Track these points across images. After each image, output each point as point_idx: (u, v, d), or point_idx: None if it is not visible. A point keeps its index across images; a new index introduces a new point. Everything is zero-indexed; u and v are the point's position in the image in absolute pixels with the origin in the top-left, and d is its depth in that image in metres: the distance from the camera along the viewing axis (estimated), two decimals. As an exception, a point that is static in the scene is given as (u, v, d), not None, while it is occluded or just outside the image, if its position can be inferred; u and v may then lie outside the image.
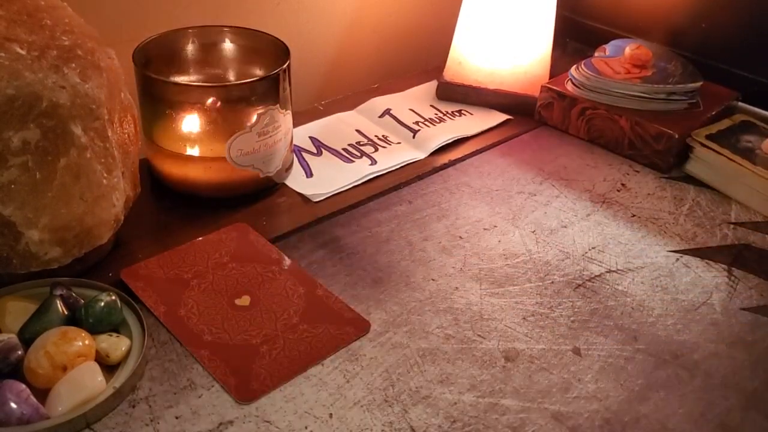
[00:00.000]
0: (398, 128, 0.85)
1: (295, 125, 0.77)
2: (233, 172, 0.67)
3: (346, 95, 0.93)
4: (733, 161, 0.76)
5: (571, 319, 0.59)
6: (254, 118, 0.66)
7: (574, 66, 0.87)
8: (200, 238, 0.64)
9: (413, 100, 0.92)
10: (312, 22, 0.94)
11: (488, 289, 0.62)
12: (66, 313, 0.52)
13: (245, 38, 0.74)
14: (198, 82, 0.71)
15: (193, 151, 0.67)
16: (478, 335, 0.57)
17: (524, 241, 0.68)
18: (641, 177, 0.80)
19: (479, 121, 0.88)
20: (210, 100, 0.65)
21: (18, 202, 0.52)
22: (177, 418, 0.48)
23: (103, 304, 0.52)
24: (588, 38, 1.03)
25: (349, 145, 0.81)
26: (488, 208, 0.72)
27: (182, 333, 0.54)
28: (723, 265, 0.66)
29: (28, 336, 0.50)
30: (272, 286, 0.59)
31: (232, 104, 0.66)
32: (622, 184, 0.78)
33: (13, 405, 0.45)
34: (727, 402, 0.52)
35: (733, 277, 0.65)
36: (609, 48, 0.91)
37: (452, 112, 0.90)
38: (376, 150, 0.80)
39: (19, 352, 0.48)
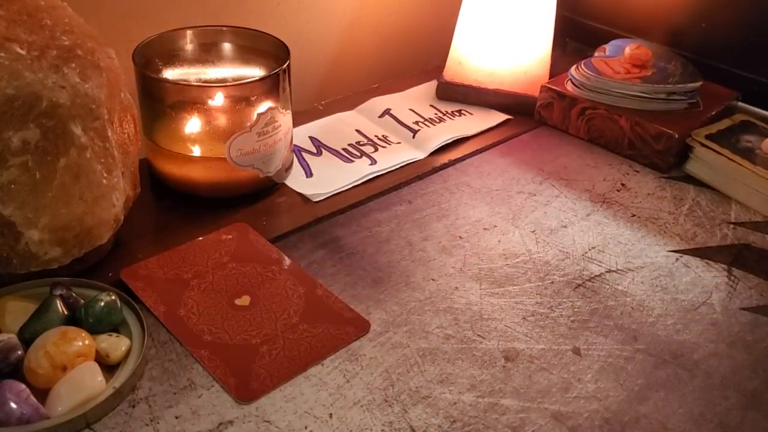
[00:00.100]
0: (398, 128, 0.85)
1: (295, 125, 0.77)
2: (233, 172, 0.67)
3: (346, 95, 0.93)
4: (733, 161, 0.76)
5: (571, 319, 0.59)
6: (254, 118, 0.66)
7: (574, 66, 0.87)
8: (200, 238, 0.64)
9: (413, 100, 0.92)
10: (312, 22, 0.94)
11: (488, 289, 0.62)
12: (66, 313, 0.52)
13: (245, 38, 0.74)
14: (198, 82, 0.71)
15: (193, 151, 0.67)
16: (478, 335, 0.57)
17: (524, 241, 0.68)
18: (641, 177, 0.80)
19: (479, 121, 0.88)
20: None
21: (18, 202, 0.52)
22: (177, 418, 0.48)
23: (103, 304, 0.52)
24: (588, 38, 1.03)
25: (349, 145, 0.81)
26: (488, 208, 0.72)
27: (182, 333, 0.54)
28: (723, 265, 0.66)
29: (28, 336, 0.50)
30: (272, 286, 0.59)
31: (232, 104, 0.66)
32: (622, 184, 0.78)
33: (13, 405, 0.45)
34: (726, 402, 0.52)
35: (732, 277, 0.65)
36: (609, 48, 0.91)
37: (452, 112, 0.90)
38: (376, 150, 0.80)
39: (19, 352, 0.48)
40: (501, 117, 0.89)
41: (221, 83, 0.70)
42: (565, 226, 0.70)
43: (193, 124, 0.67)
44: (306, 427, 0.48)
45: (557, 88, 0.86)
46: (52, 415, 0.46)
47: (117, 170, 0.58)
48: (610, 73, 0.84)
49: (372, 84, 0.96)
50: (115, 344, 0.51)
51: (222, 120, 0.66)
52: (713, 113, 0.83)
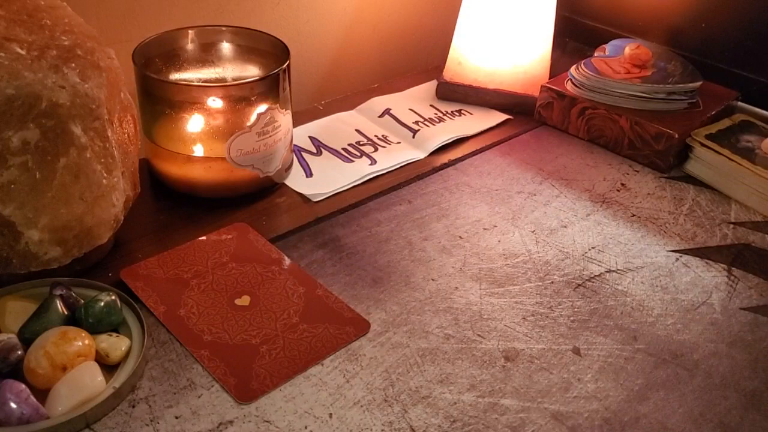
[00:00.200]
0: (398, 128, 0.85)
1: (294, 125, 0.77)
2: (233, 172, 0.67)
3: (345, 95, 0.93)
4: (733, 161, 0.76)
5: (571, 318, 0.59)
6: (254, 118, 0.66)
7: (574, 66, 0.87)
8: (200, 238, 0.64)
9: (413, 100, 0.92)
10: (312, 22, 0.94)
11: (488, 288, 0.62)
12: (66, 313, 0.52)
13: (245, 38, 0.74)
14: (198, 82, 0.71)
15: (193, 151, 0.67)
16: (478, 335, 0.57)
17: (524, 240, 0.68)
18: (641, 177, 0.80)
19: (479, 120, 0.88)
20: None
21: (18, 202, 0.52)
22: (177, 418, 0.48)
23: (102, 304, 0.52)
24: (588, 38, 1.03)
25: (348, 144, 0.81)
26: (488, 207, 0.72)
27: (182, 333, 0.54)
28: (723, 265, 0.66)
29: (27, 336, 0.50)
30: (272, 286, 0.59)
31: (232, 104, 0.66)
32: (622, 184, 0.78)
33: (13, 405, 0.45)
34: (726, 402, 0.52)
35: (732, 277, 0.65)
36: (609, 48, 0.91)
37: (452, 111, 0.90)
38: (376, 150, 0.80)
39: (19, 352, 0.48)
40: (501, 117, 0.89)
41: (221, 83, 0.70)
42: (565, 226, 0.70)
43: (193, 124, 0.67)
44: (306, 427, 0.48)
45: (557, 88, 0.86)
46: (52, 415, 0.46)
47: (117, 170, 0.58)
48: (610, 72, 0.84)
49: (372, 84, 0.96)
50: (115, 344, 0.51)
51: (222, 120, 0.66)
52: (713, 113, 0.83)
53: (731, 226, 0.72)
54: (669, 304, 0.61)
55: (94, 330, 0.51)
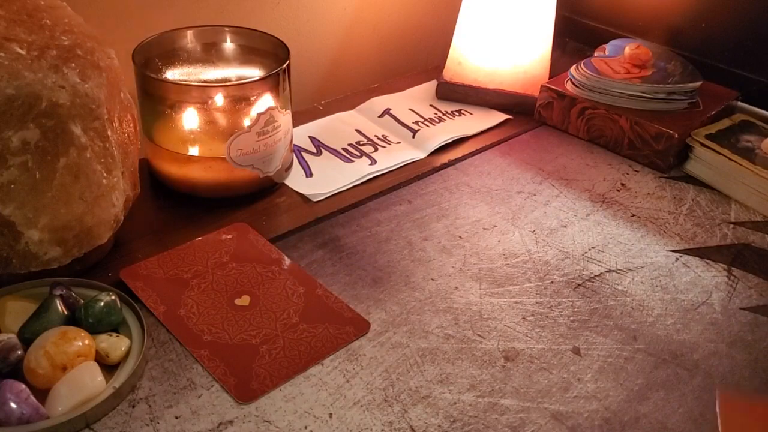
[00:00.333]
0: (398, 128, 0.85)
1: (294, 125, 0.77)
2: (233, 172, 0.67)
3: (345, 95, 0.93)
4: (733, 161, 0.76)
5: (571, 318, 0.59)
6: (254, 118, 0.66)
7: (574, 66, 0.87)
8: (200, 238, 0.64)
9: (413, 100, 0.92)
10: (312, 22, 0.94)
11: (488, 288, 0.62)
12: (66, 313, 0.52)
13: (245, 38, 0.74)
14: (198, 82, 0.71)
15: (193, 150, 0.67)
16: (478, 335, 0.57)
17: (524, 240, 0.68)
18: (641, 177, 0.80)
19: (479, 120, 0.88)
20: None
21: (18, 201, 0.52)
22: (177, 418, 0.48)
23: (102, 304, 0.52)
24: (588, 38, 1.03)
25: (348, 144, 0.81)
26: (488, 207, 0.72)
27: (182, 333, 0.54)
28: (723, 265, 0.66)
29: (27, 336, 0.50)
30: (272, 286, 0.59)
31: (232, 104, 0.66)
32: (622, 184, 0.78)
33: (13, 405, 0.45)
34: (726, 402, 0.52)
35: (732, 277, 0.65)
36: (609, 48, 0.91)
37: (452, 111, 0.90)
38: (376, 150, 0.80)
39: (19, 352, 0.48)
40: (501, 117, 0.89)
41: (221, 83, 0.70)
42: (564, 226, 0.70)
43: (192, 124, 0.67)
44: (306, 427, 0.48)
45: (557, 88, 0.86)
46: (52, 415, 0.46)
47: (117, 170, 0.58)
48: (610, 72, 0.84)
49: (372, 84, 0.96)
50: (115, 344, 0.51)
51: (222, 120, 0.66)
52: (713, 113, 0.83)
53: (731, 226, 0.72)
54: (669, 304, 0.61)
55: (94, 330, 0.51)
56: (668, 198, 0.76)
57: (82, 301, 0.53)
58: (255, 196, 0.71)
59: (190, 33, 0.73)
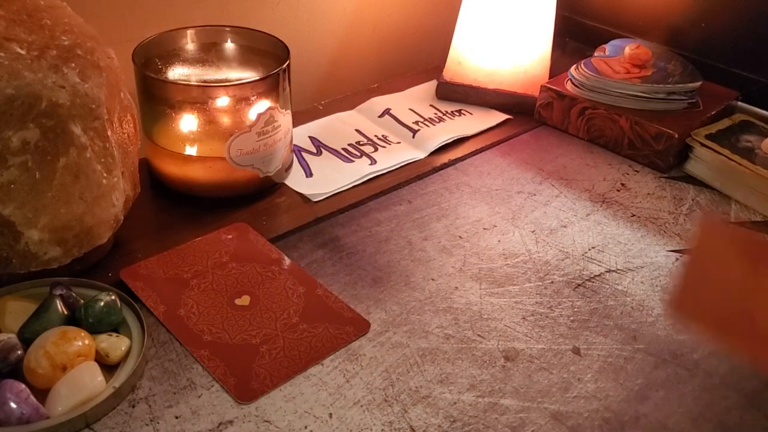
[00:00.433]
0: (398, 128, 0.85)
1: (294, 125, 0.77)
2: (233, 171, 0.67)
3: (345, 95, 0.93)
4: (733, 161, 0.76)
5: (571, 318, 0.59)
6: (254, 117, 0.66)
7: (574, 66, 0.87)
8: (200, 238, 0.64)
9: (413, 100, 0.92)
10: (312, 22, 0.94)
11: (488, 288, 0.62)
12: (66, 312, 0.52)
13: (245, 38, 0.74)
14: (198, 81, 0.71)
15: (193, 150, 0.67)
16: (478, 335, 0.57)
17: (524, 240, 0.68)
18: (641, 177, 0.80)
19: (479, 120, 0.88)
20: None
21: (18, 201, 0.52)
22: (177, 417, 0.48)
23: (102, 303, 0.52)
24: (588, 38, 1.03)
25: (348, 144, 0.81)
26: (488, 207, 0.72)
27: (182, 333, 0.54)
28: None
29: (27, 336, 0.50)
30: (272, 286, 0.59)
31: (232, 104, 0.66)
32: (622, 184, 0.78)
33: (13, 405, 0.45)
34: (726, 402, 0.52)
35: (732, 277, 0.65)
36: (608, 48, 0.91)
37: (452, 111, 0.90)
38: (376, 150, 0.80)
39: (19, 352, 0.48)
40: (501, 117, 0.89)
41: (221, 83, 0.70)
42: (564, 226, 0.70)
43: (192, 124, 0.67)
44: (306, 427, 0.48)
45: (557, 88, 0.86)
46: (51, 415, 0.46)
47: (117, 170, 0.58)
48: (610, 72, 0.84)
49: (372, 84, 0.96)
50: (115, 344, 0.51)
51: (222, 120, 0.66)
52: (713, 113, 0.83)
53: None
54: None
55: (94, 330, 0.51)
56: (668, 198, 0.76)
57: (82, 301, 0.53)
58: (255, 196, 0.71)
59: (190, 33, 0.73)
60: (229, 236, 0.65)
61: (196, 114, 0.66)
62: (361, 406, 0.50)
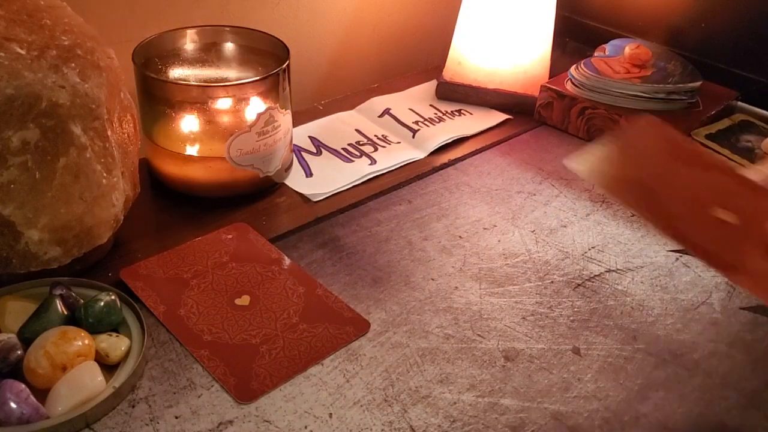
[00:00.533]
0: (398, 128, 0.85)
1: (294, 125, 0.77)
2: (233, 171, 0.67)
3: (345, 95, 0.93)
4: (733, 161, 0.76)
5: (571, 318, 0.59)
6: (254, 117, 0.66)
7: (574, 66, 0.87)
8: (200, 238, 0.64)
9: (413, 100, 0.92)
10: (312, 22, 0.94)
11: (488, 288, 0.62)
12: (66, 312, 0.52)
13: (245, 38, 0.74)
14: (198, 81, 0.71)
15: (193, 150, 0.67)
16: (478, 335, 0.57)
17: (524, 240, 0.68)
18: (641, 177, 0.79)
19: (479, 120, 0.88)
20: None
21: (18, 201, 0.52)
22: (177, 417, 0.48)
23: (102, 303, 0.52)
24: (588, 38, 1.03)
25: (348, 144, 0.81)
26: (488, 207, 0.72)
27: (182, 333, 0.54)
28: (723, 265, 0.66)
29: (27, 336, 0.50)
30: (272, 286, 0.59)
31: (232, 104, 0.66)
32: (622, 184, 0.78)
33: (13, 405, 0.45)
34: (726, 401, 0.52)
35: (732, 277, 0.65)
36: (608, 48, 0.91)
37: (452, 111, 0.90)
38: (376, 150, 0.80)
39: (19, 352, 0.48)
40: (501, 117, 0.89)
41: (221, 83, 0.70)
42: (564, 226, 0.70)
43: (192, 124, 0.67)
44: (306, 427, 0.48)
45: (557, 88, 0.86)
46: (51, 415, 0.46)
47: (117, 170, 0.58)
48: (610, 72, 0.84)
49: (372, 84, 0.96)
50: (115, 344, 0.51)
51: (222, 120, 0.66)
52: (713, 113, 0.83)
53: (731, 225, 0.72)
54: (669, 303, 0.61)
55: (94, 330, 0.51)
56: (668, 198, 0.76)
57: (82, 301, 0.53)
58: (255, 196, 0.71)
59: (190, 33, 0.73)
60: (229, 236, 0.65)
61: (196, 114, 0.66)
62: (361, 406, 0.50)
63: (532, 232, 0.69)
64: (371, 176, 0.75)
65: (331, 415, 0.49)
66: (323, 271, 0.62)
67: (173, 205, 0.69)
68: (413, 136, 0.83)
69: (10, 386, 0.45)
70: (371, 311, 0.58)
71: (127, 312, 0.54)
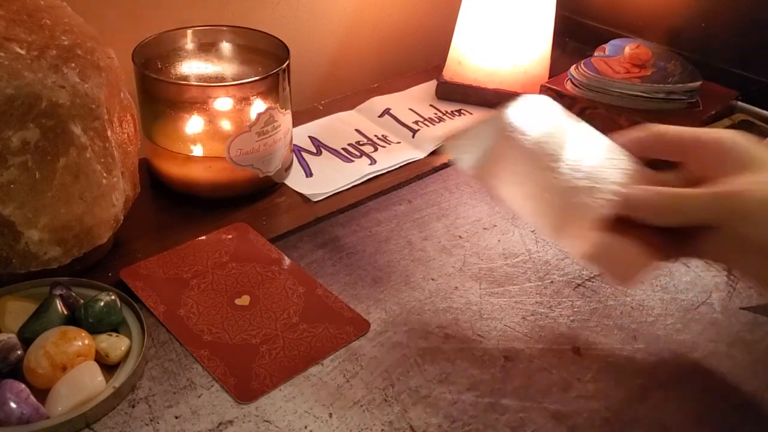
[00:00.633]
0: (398, 128, 0.85)
1: (294, 125, 0.77)
2: (233, 171, 0.67)
3: (345, 95, 0.93)
4: (733, 161, 0.75)
5: (571, 318, 0.59)
6: (254, 117, 0.66)
7: (574, 65, 0.87)
8: (200, 238, 0.64)
9: (413, 100, 0.92)
10: (312, 22, 0.94)
11: (488, 288, 0.62)
12: (66, 312, 0.52)
13: (245, 38, 0.74)
14: (198, 81, 0.71)
15: (193, 150, 0.67)
16: (478, 335, 0.57)
17: (524, 240, 0.68)
18: (641, 177, 0.79)
19: (479, 120, 0.88)
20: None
21: (18, 201, 0.52)
22: (177, 417, 0.48)
23: (102, 303, 0.52)
24: (588, 38, 1.03)
25: (348, 144, 0.81)
26: (488, 207, 0.72)
27: (182, 333, 0.54)
28: (723, 265, 0.66)
29: (27, 336, 0.50)
30: (272, 286, 0.59)
31: (232, 104, 0.66)
32: (622, 184, 0.78)
33: (13, 405, 0.45)
34: (726, 401, 0.52)
35: (732, 277, 0.65)
36: (608, 47, 0.91)
37: (452, 111, 0.90)
38: (376, 149, 0.80)
39: (19, 352, 0.48)
40: (501, 117, 0.89)
41: (221, 83, 0.70)
42: (564, 226, 0.70)
43: (192, 124, 0.67)
44: (306, 427, 0.48)
45: (557, 88, 0.86)
46: (51, 415, 0.46)
47: (117, 170, 0.58)
48: (610, 72, 0.84)
49: (372, 84, 0.96)
50: (115, 344, 0.51)
51: (222, 120, 0.66)
52: (713, 113, 0.83)
53: (731, 225, 0.72)
54: (669, 303, 0.61)
55: (94, 330, 0.51)
56: (668, 198, 0.76)
57: (82, 301, 0.53)
58: (255, 196, 0.71)
59: (190, 33, 0.73)
60: (229, 236, 0.65)
61: (196, 114, 0.66)
62: (361, 406, 0.50)
63: (532, 231, 0.69)
64: (371, 176, 0.75)
65: (331, 415, 0.49)
66: (323, 271, 0.62)
67: (173, 205, 0.69)
68: (413, 136, 0.83)
69: (10, 386, 0.45)
70: (371, 311, 0.58)
71: (127, 312, 0.54)
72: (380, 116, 0.87)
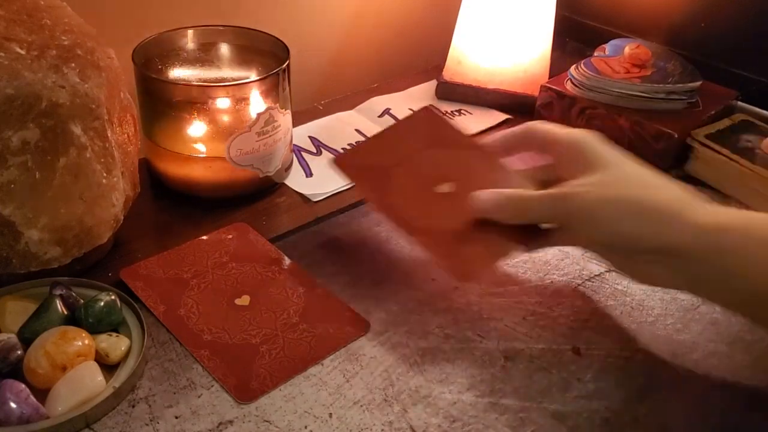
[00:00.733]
0: (398, 128, 0.85)
1: (294, 125, 0.77)
2: (233, 171, 0.67)
3: (345, 95, 0.93)
4: (733, 161, 0.75)
5: (571, 318, 0.59)
6: (254, 117, 0.66)
7: (574, 65, 0.87)
8: (200, 238, 0.64)
9: (413, 100, 0.92)
10: (312, 22, 0.94)
11: (488, 288, 0.62)
12: (66, 312, 0.52)
13: (245, 38, 0.74)
14: (198, 81, 0.71)
15: (193, 150, 0.67)
16: (478, 335, 0.57)
17: (524, 240, 0.68)
18: (641, 176, 0.79)
19: (479, 120, 0.88)
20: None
21: (17, 201, 0.52)
22: (177, 417, 0.48)
23: (102, 303, 0.52)
24: (588, 38, 1.03)
25: (348, 144, 0.81)
26: (488, 207, 0.72)
27: (182, 333, 0.54)
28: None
29: (27, 336, 0.50)
30: (272, 286, 0.59)
31: (231, 104, 0.66)
32: (622, 184, 0.78)
33: (13, 405, 0.45)
34: (726, 402, 0.52)
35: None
36: (608, 47, 0.91)
37: (452, 111, 0.90)
38: (376, 150, 0.80)
39: (19, 352, 0.48)
40: (501, 116, 0.89)
41: (221, 83, 0.70)
42: (564, 226, 0.70)
43: (192, 124, 0.67)
44: (306, 427, 0.48)
45: (557, 88, 0.86)
46: (51, 415, 0.46)
47: (117, 170, 0.58)
48: (610, 72, 0.84)
49: (372, 83, 0.96)
50: (115, 344, 0.51)
51: (221, 120, 0.66)
52: (713, 113, 0.83)
53: (731, 225, 0.72)
54: (669, 303, 0.61)
55: (94, 330, 0.51)
56: (668, 198, 0.76)
57: (82, 301, 0.53)
58: (255, 196, 0.71)
59: (190, 33, 0.73)
60: (229, 236, 0.65)
61: (196, 114, 0.66)
62: (361, 406, 0.50)
63: (532, 232, 0.69)
64: (371, 176, 0.75)
65: (331, 415, 0.49)
66: (323, 271, 0.62)
67: (173, 205, 0.69)
68: (413, 136, 0.83)
69: (10, 386, 0.45)
70: (371, 311, 0.58)
71: (127, 312, 0.54)
72: (380, 116, 0.87)
